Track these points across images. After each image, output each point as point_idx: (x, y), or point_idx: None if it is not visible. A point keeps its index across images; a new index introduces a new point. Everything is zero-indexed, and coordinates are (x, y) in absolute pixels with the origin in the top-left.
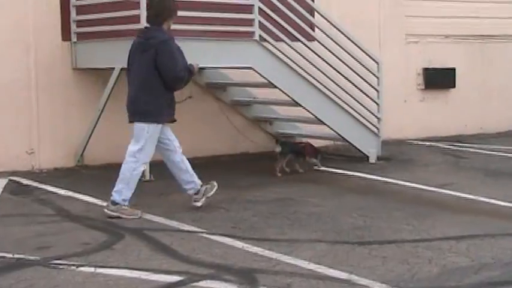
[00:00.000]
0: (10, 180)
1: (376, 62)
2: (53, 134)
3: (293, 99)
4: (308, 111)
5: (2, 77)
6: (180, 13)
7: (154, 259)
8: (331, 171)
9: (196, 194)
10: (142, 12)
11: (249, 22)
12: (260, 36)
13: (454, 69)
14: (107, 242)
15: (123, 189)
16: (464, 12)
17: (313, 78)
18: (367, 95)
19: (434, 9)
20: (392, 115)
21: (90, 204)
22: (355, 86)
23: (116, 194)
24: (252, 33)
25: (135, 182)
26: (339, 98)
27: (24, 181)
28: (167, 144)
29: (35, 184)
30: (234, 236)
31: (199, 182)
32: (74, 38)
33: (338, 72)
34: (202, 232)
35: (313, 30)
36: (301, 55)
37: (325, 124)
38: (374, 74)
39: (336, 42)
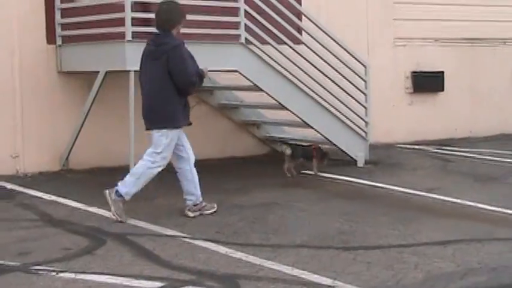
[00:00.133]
0: None
1: (364, 66)
2: (38, 138)
3: (279, 103)
4: (295, 114)
5: None
6: None
7: (136, 265)
8: (318, 175)
9: (193, 205)
10: (127, 15)
11: (235, 25)
12: (246, 39)
13: (442, 73)
14: (88, 247)
15: (130, 183)
16: (452, 16)
17: (300, 81)
18: (354, 99)
19: (423, 12)
20: (380, 119)
21: (73, 209)
22: (343, 90)
23: (121, 186)
24: (238, 36)
25: (145, 181)
26: (327, 102)
27: (8, 185)
28: (180, 150)
29: (19, 189)
30: (218, 241)
31: (200, 196)
32: (59, 41)
33: (325, 75)
34: (185, 237)
35: (301, 34)
36: (288, 58)
37: (312, 128)
38: (361, 78)
39: (323, 46)
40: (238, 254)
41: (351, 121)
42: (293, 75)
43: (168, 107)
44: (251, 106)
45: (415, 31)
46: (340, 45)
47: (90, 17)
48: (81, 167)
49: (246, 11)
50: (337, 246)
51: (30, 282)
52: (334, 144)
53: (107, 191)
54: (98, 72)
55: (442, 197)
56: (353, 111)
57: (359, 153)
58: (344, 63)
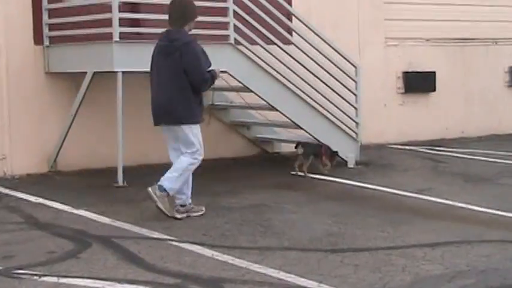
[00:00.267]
0: None
1: (354, 66)
2: (26, 140)
3: (269, 103)
4: (284, 115)
5: None
6: (153, 16)
7: (120, 268)
8: (308, 176)
9: (181, 206)
10: (115, 16)
11: (224, 25)
12: (235, 39)
13: (434, 73)
14: (73, 251)
15: (173, 179)
16: (444, 16)
17: (290, 82)
18: (345, 100)
19: (414, 12)
20: (372, 119)
21: (59, 212)
22: (333, 91)
23: (166, 180)
24: (227, 37)
25: (186, 177)
26: (317, 103)
27: None
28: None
29: (6, 191)
30: (204, 244)
31: (189, 197)
32: (46, 42)
33: (315, 76)
34: (172, 240)
35: (291, 35)
36: (278, 59)
37: (302, 129)
38: (352, 78)
39: (313, 46)
40: (225, 257)
41: (342, 122)
42: (283, 76)
43: (187, 103)
44: (241, 107)
45: (406, 31)
46: (331, 46)
47: (78, 17)
48: (69, 169)
49: (235, 12)
50: (325, 249)
51: (12, 286)
52: None
53: (150, 189)
54: (86, 73)
55: (432, 198)
56: (343, 112)
57: (349, 154)
58: (334, 64)
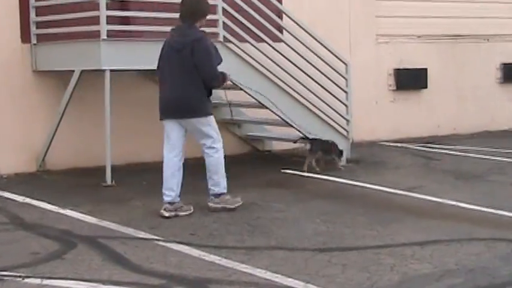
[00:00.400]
0: None
1: (345, 63)
2: (13, 139)
3: (258, 101)
4: (274, 113)
5: None
6: (142, 14)
7: (105, 269)
8: (299, 174)
9: (170, 204)
10: (102, 14)
11: (213, 23)
12: (224, 37)
13: (425, 70)
14: (58, 252)
15: (220, 180)
16: (435, 12)
17: (280, 80)
18: (335, 97)
19: (405, 9)
20: (364, 117)
21: (46, 212)
22: (323, 88)
23: (215, 186)
24: (216, 35)
25: (223, 168)
26: (307, 100)
27: None
28: (182, 141)
29: None
30: (191, 244)
31: (178, 195)
32: (33, 40)
33: (306, 74)
34: (158, 240)
35: (281, 32)
36: (268, 57)
37: (292, 126)
38: (342, 76)
39: (303, 44)
40: (212, 257)
41: (332, 119)
42: (273, 74)
43: (201, 96)
44: (231, 105)
45: (397, 28)
46: (321, 43)
47: (65, 15)
48: (58, 168)
49: (224, 9)
50: (313, 248)
51: None
52: None
53: (210, 205)
54: (74, 71)
55: (423, 196)
56: (334, 110)
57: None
58: (325, 61)
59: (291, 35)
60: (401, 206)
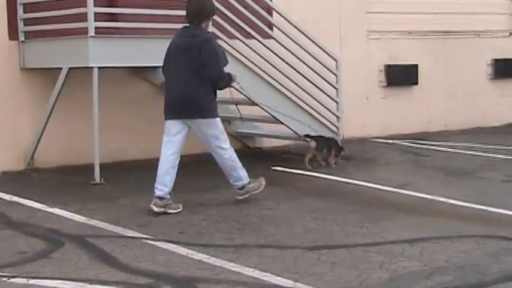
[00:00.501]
0: None
1: (335, 60)
2: (1, 137)
3: (248, 98)
4: (265, 110)
5: None
6: (131, 11)
7: (92, 268)
8: (289, 172)
9: (160, 199)
10: (90, 10)
11: None
12: (214, 33)
13: (416, 66)
14: (44, 251)
15: (239, 173)
16: (426, 8)
17: (271, 77)
18: (326, 94)
19: (396, 5)
20: (354, 113)
21: (34, 210)
22: (314, 85)
23: (237, 182)
24: None
25: (238, 162)
26: (297, 97)
27: None
28: (180, 140)
29: None
30: (180, 242)
31: (169, 192)
32: (21, 37)
33: (296, 70)
34: (146, 238)
35: (271, 29)
36: (258, 54)
37: (282, 123)
38: (332, 72)
39: (293, 40)
40: (200, 256)
41: (323, 116)
42: (263, 71)
43: (210, 97)
44: (221, 101)
45: (388, 24)
46: (311, 40)
47: (53, 12)
48: (46, 166)
49: None
50: (302, 246)
51: None
52: (305, 140)
53: (238, 197)
54: (62, 68)
55: (413, 193)
56: (325, 106)
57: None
58: (315, 58)
59: (281, 31)
60: (392, 203)
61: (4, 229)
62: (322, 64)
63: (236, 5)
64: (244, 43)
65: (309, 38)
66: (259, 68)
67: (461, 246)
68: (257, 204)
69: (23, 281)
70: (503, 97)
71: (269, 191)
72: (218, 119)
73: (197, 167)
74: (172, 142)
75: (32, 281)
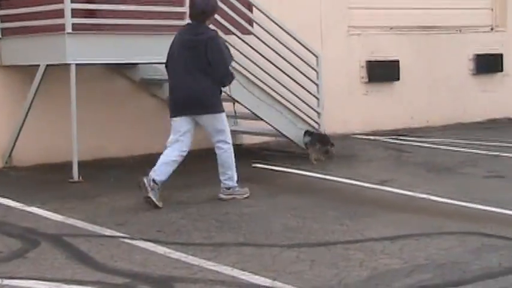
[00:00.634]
0: None
1: (315, 56)
2: None
3: (228, 95)
4: (244, 106)
5: None
6: (108, 7)
7: (68, 268)
8: (270, 169)
9: (155, 182)
10: (67, 7)
11: (181, 15)
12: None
13: (398, 62)
14: (20, 250)
15: (233, 174)
16: (407, 3)
17: (250, 73)
18: (306, 90)
19: (377, 0)
20: (336, 109)
21: (10, 209)
22: (294, 81)
23: (228, 181)
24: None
25: (233, 162)
26: (278, 94)
27: None
28: (187, 137)
29: None
30: (158, 241)
31: (161, 182)
32: None
33: (276, 67)
34: (124, 237)
35: (251, 25)
36: (237, 50)
37: (262, 120)
38: (313, 68)
39: (273, 36)
40: (177, 254)
41: (303, 113)
42: (243, 67)
43: (216, 93)
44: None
45: (369, 20)
46: (291, 36)
47: (31, 8)
48: (25, 164)
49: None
50: (281, 244)
51: None
52: (286, 137)
53: (223, 197)
54: (39, 65)
55: (394, 190)
56: (305, 103)
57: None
58: (296, 54)
59: (261, 27)
60: (373, 200)
61: None
62: (302, 60)
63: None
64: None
65: (289, 34)
66: (239, 64)
67: (442, 243)
68: (236, 202)
69: None
70: (485, 92)
71: (249, 188)
72: (224, 114)
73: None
74: (181, 142)
75: (7, 281)
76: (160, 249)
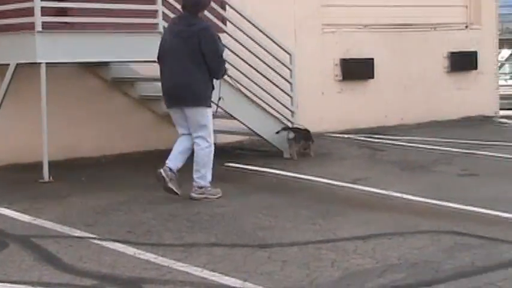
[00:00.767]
0: None
1: (289, 54)
2: None
3: None
4: (216, 105)
5: None
6: (80, 5)
7: (35, 270)
8: (242, 168)
9: (170, 170)
10: (36, 5)
11: (153, 13)
12: (164, 28)
13: (372, 60)
14: None
15: (206, 173)
16: (382, 1)
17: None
18: (280, 88)
19: None
20: (310, 108)
21: None
22: (267, 79)
23: (201, 180)
24: (156, 25)
25: (212, 162)
26: (251, 92)
27: None
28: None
29: None
30: (127, 242)
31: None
32: None
33: (250, 65)
34: (93, 238)
35: (225, 24)
36: None
37: (235, 119)
38: (286, 66)
39: (246, 35)
40: (147, 255)
41: (277, 111)
42: None
43: (206, 86)
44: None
45: (343, 17)
46: (264, 34)
47: (0, 6)
48: None
49: None
50: (252, 244)
51: None
52: (259, 135)
53: (194, 196)
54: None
55: (368, 188)
56: (278, 101)
57: (285, 144)
58: (269, 52)
59: (234, 25)
60: (345, 199)
61: None
62: (276, 58)
63: None
64: None
65: (262, 32)
66: None
67: (415, 243)
68: (208, 202)
69: None
70: (459, 90)
71: (221, 188)
72: (210, 110)
73: (147, 163)
74: (186, 131)
75: None
76: (130, 250)
